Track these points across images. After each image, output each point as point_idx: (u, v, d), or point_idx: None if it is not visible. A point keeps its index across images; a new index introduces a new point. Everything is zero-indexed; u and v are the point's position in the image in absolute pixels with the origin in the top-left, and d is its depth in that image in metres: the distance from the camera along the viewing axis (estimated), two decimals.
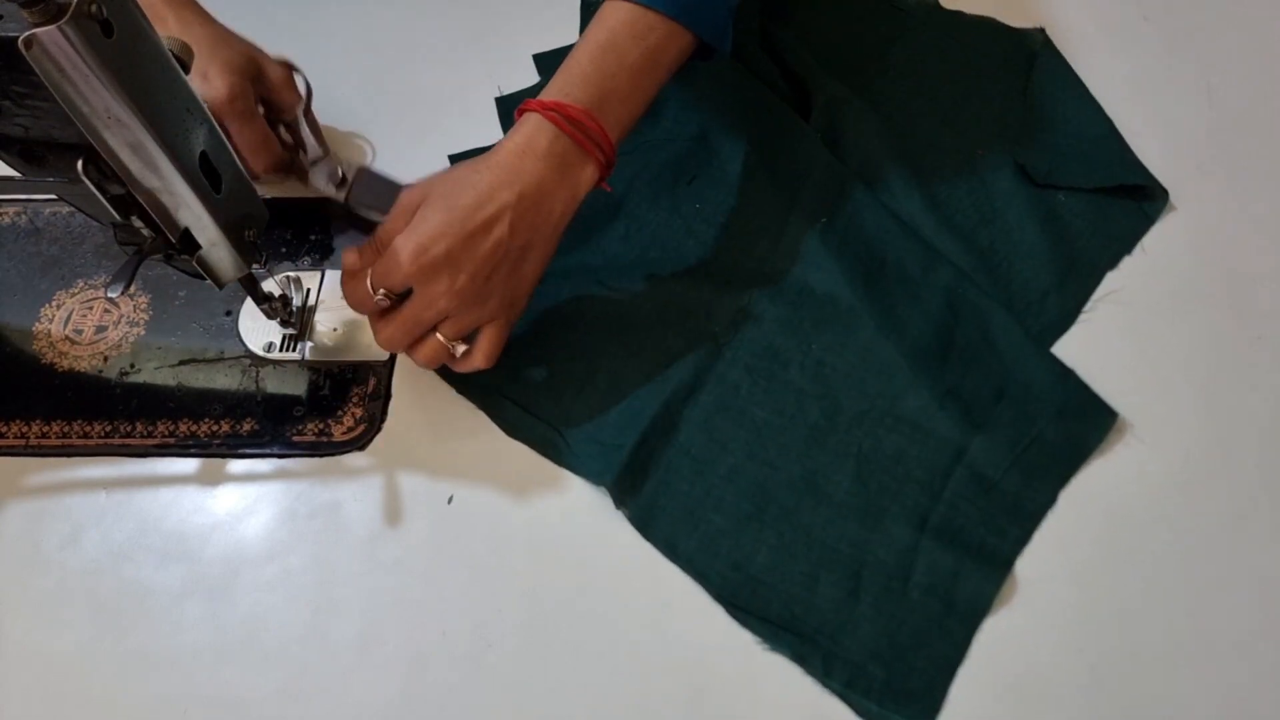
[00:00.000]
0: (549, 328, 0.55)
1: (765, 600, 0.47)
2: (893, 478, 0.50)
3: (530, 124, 0.48)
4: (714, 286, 0.56)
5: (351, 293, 0.49)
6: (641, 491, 0.50)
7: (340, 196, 0.59)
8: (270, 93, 0.58)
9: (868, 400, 0.52)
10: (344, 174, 0.59)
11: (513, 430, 0.53)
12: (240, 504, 0.51)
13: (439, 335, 0.48)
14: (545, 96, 0.48)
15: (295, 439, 0.53)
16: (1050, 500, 0.49)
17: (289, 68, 0.59)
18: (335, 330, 0.57)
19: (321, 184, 0.59)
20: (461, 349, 0.49)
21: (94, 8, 0.33)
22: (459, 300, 0.47)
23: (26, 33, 0.32)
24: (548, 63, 0.69)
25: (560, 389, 0.53)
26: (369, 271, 0.48)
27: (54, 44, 0.32)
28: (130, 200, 0.40)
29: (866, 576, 0.47)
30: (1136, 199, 0.59)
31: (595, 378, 0.54)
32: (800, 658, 0.45)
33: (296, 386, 0.55)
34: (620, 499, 0.50)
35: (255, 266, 0.48)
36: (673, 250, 0.59)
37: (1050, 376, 0.52)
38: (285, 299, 0.55)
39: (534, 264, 0.49)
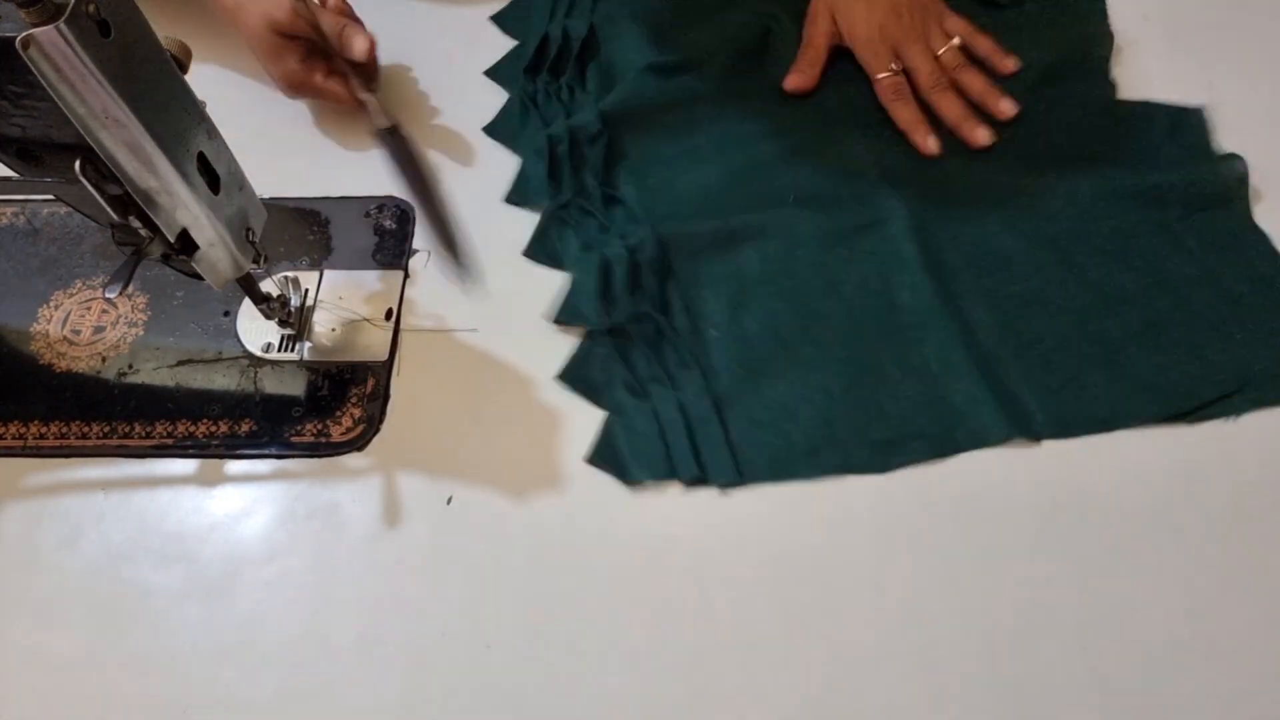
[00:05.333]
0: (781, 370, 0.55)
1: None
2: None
3: None
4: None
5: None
6: (1027, 400, 0.53)
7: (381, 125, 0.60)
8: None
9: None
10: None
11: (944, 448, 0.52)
12: (239, 505, 0.51)
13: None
14: None
15: (294, 440, 0.53)
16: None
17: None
18: (334, 330, 0.57)
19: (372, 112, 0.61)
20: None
21: (91, 8, 0.33)
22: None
23: (24, 33, 0.32)
24: (506, 22, 0.72)
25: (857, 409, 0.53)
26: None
27: (51, 44, 0.32)
28: (128, 200, 0.40)
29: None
30: None
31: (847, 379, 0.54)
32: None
33: (295, 387, 0.55)
34: (1034, 430, 0.52)
35: (253, 266, 0.48)
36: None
37: None
38: (283, 299, 0.54)
39: None
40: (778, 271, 0.58)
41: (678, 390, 0.53)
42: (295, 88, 0.63)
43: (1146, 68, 0.67)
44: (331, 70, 0.62)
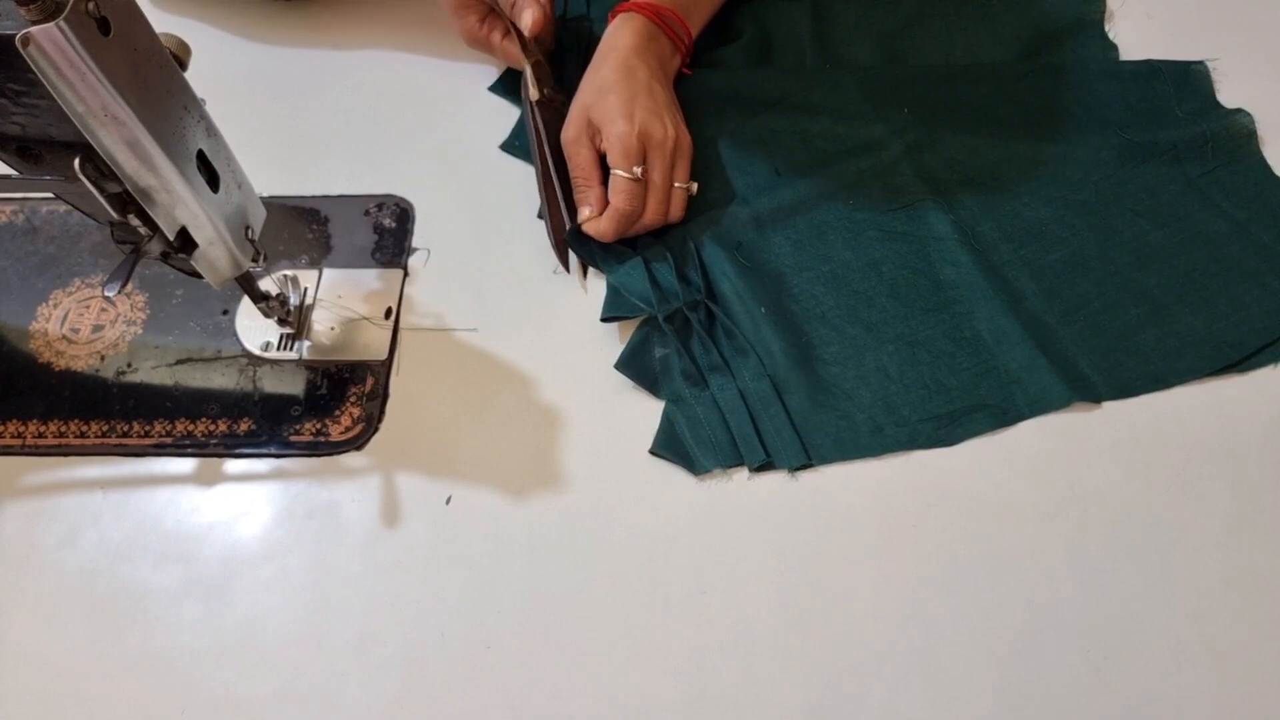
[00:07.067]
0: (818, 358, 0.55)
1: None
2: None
3: (632, 20, 0.62)
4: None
5: (623, 202, 0.57)
6: (1082, 364, 0.53)
7: (533, 96, 0.63)
8: None
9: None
10: (545, 89, 0.63)
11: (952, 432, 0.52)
12: (237, 504, 0.51)
13: (676, 184, 0.59)
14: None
15: (292, 439, 0.53)
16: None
17: None
18: (333, 329, 0.56)
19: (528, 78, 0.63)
20: (694, 187, 0.60)
21: (91, 5, 0.33)
22: (676, 129, 0.59)
23: (23, 30, 0.32)
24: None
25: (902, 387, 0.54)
26: (614, 178, 0.57)
27: (51, 42, 0.32)
28: (127, 198, 0.40)
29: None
30: None
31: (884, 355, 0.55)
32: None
33: (294, 386, 0.55)
34: (1094, 393, 0.53)
35: (252, 265, 0.48)
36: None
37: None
38: (282, 298, 0.54)
39: (677, 104, 0.63)
40: (812, 257, 0.58)
41: (735, 377, 0.53)
42: (473, 43, 0.66)
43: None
44: (509, 32, 0.65)
